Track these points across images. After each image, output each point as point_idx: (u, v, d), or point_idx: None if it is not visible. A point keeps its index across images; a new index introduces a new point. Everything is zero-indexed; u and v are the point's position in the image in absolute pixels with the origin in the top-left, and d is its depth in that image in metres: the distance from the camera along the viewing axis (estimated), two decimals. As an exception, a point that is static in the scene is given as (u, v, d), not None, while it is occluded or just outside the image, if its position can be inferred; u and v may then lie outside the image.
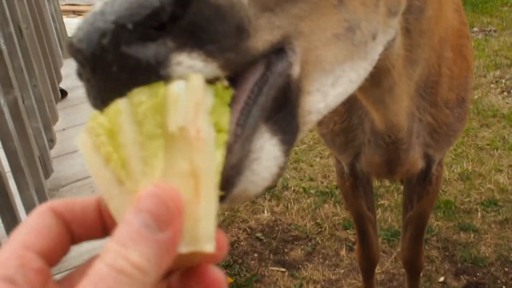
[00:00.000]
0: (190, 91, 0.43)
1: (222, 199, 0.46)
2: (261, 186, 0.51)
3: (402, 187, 3.12)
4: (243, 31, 0.50)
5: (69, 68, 3.67)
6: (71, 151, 3.09)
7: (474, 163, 3.30)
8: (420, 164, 1.49)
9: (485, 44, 5.03)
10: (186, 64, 0.45)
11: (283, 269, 2.62)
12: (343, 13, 0.63)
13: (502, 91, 4.19)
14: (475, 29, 5.41)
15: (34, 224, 0.44)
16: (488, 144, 3.49)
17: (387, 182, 3.06)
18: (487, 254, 2.60)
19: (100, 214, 0.47)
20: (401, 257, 2.06)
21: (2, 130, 2.05)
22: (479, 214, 2.87)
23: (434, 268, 2.55)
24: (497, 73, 4.46)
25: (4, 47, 2.15)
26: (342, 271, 2.59)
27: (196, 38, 0.46)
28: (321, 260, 2.66)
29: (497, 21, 5.62)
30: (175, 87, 0.43)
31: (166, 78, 0.44)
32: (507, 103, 3.99)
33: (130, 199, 0.41)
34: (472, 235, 2.73)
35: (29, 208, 2.26)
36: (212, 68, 0.47)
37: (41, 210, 0.45)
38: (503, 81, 4.34)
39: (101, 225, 0.47)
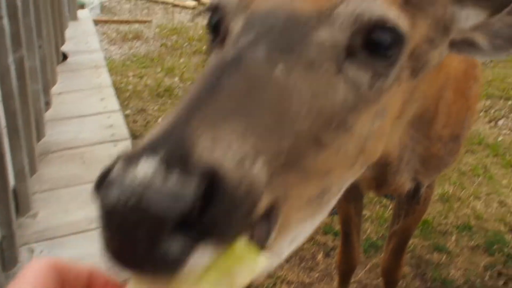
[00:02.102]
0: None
1: None
2: None
3: (384, 200, 3.20)
4: (255, 209, 0.54)
5: (72, 30, 3.59)
6: (65, 117, 3.03)
7: (455, 186, 3.38)
8: (408, 185, 1.50)
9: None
10: (203, 255, 0.49)
11: (259, 265, 2.66)
12: (323, 181, 0.69)
13: (490, 121, 4.30)
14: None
15: (40, 280, 0.48)
16: (470, 170, 3.58)
17: (371, 194, 3.12)
18: (456, 277, 2.68)
19: (89, 284, 0.53)
20: (381, 267, 2.12)
21: (6, 88, 2.00)
22: (454, 237, 2.96)
23: (404, 284, 2.62)
24: (488, 102, 4.57)
25: (19, 3, 2.08)
26: (317, 275, 2.64)
27: (216, 229, 0.49)
28: (297, 262, 2.70)
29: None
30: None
31: (180, 270, 0.48)
32: (492, 133, 4.10)
33: None
34: (444, 257, 2.81)
35: (18, 171, 2.20)
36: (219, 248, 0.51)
37: (45, 266, 0.49)
38: (492, 111, 4.45)
39: None
